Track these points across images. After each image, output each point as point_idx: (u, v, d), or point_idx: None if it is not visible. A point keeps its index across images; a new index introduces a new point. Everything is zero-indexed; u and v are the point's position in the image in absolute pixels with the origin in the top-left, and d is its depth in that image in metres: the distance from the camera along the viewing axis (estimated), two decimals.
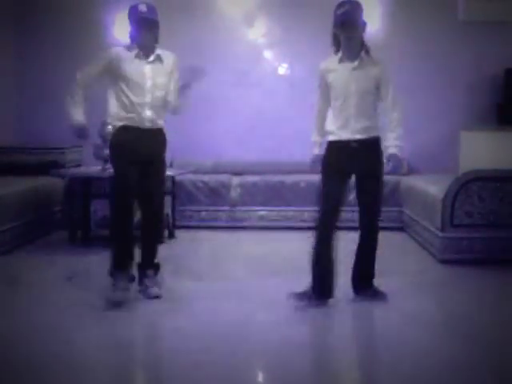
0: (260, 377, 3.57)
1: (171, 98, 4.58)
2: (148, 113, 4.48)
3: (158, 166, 4.62)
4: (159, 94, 4.52)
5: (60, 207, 6.90)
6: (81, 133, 4.50)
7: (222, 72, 7.63)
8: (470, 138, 6.03)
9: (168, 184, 6.43)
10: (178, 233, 6.71)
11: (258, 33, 7.73)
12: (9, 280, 5.06)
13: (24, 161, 7.14)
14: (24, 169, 6.99)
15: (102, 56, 4.55)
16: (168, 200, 6.43)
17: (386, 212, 6.89)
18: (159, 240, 5.15)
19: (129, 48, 4.48)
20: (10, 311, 4.32)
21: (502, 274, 5.20)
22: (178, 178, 6.81)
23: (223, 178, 7.33)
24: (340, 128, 4.40)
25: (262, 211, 7.11)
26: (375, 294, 4.50)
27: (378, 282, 4.56)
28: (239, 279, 5.13)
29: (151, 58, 4.48)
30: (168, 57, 4.56)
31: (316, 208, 4.52)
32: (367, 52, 4.37)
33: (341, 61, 4.37)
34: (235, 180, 7.30)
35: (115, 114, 4.50)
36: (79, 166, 7.22)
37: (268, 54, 7.77)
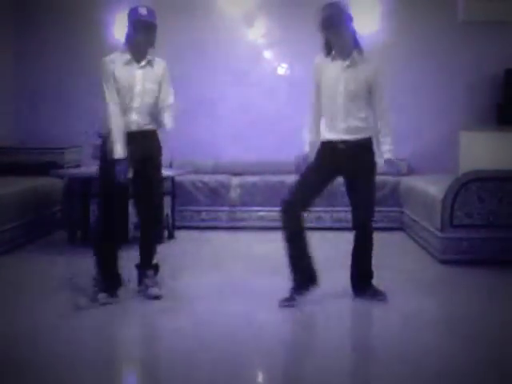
0: (260, 377, 3.57)
1: (162, 104, 4.51)
2: (134, 117, 4.44)
3: (149, 168, 4.56)
4: (148, 99, 4.46)
5: (59, 207, 6.90)
6: (124, 167, 4.35)
7: (222, 72, 7.65)
8: (470, 138, 6.03)
9: (168, 184, 6.43)
10: (178, 233, 6.71)
11: (257, 33, 7.73)
12: (8, 280, 5.06)
13: (23, 161, 7.14)
14: (23, 169, 6.99)
15: (105, 71, 4.40)
16: (168, 200, 6.44)
17: (386, 212, 6.93)
18: (158, 240, 5.15)
19: (122, 52, 4.46)
20: (10, 311, 4.32)
21: (502, 274, 5.20)
22: (177, 179, 6.81)
23: (223, 178, 7.32)
24: (327, 128, 4.38)
25: (262, 211, 7.11)
26: (374, 294, 4.49)
27: (377, 281, 4.56)
28: (239, 279, 5.13)
29: (143, 63, 4.47)
30: (158, 63, 4.53)
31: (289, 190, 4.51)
32: (360, 51, 4.33)
33: (333, 58, 4.35)
34: (235, 180, 7.30)
35: (108, 117, 4.46)
36: (78, 166, 7.22)
37: (268, 54, 7.76)
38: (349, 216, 4.56)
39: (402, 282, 4.99)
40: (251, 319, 4.15)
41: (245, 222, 7.18)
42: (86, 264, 4.73)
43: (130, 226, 6.03)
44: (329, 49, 4.36)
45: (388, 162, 4.40)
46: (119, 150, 4.33)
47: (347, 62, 4.31)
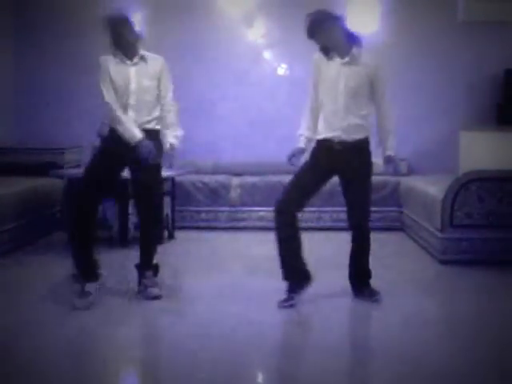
0: (259, 377, 3.57)
1: (164, 101, 4.53)
2: (132, 115, 4.45)
3: (150, 168, 4.55)
4: (146, 97, 4.48)
5: (59, 208, 6.90)
6: (148, 146, 4.35)
7: (222, 72, 7.64)
8: (470, 138, 6.03)
9: (168, 184, 6.43)
10: (178, 233, 6.71)
11: (257, 33, 7.73)
12: (8, 280, 5.06)
13: (23, 161, 7.13)
14: (23, 169, 6.97)
15: (101, 70, 4.46)
16: (168, 200, 6.44)
17: (386, 212, 6.93)
18: (158, 240, 5.14)
19: (114, 54, 4.50)
20: (10, 312, 4.31)
21: (502, 274, 5.20)
22: (177, 179, 6.80)
23: (223, 178, 7.32)
24: (326, 125, 4.34)
25: (262, 211, 7.10)
26: (372, 294, 4.48)
27: (377, 281, 4.56)
28: (239, 279, 5.13)
29: (135, 60, 4.48)
30: (155, 59, 4.54)
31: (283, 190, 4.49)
32: (359, 47, 4.28)
33: (332, 56, 4.33)
34: (235, 180, 7.29)
35: (111, 112, 4.47)
36: (78, 166, 7.21)
37: (268, 54, 7.76)
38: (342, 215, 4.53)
39: (401, 282, 4.99)
40: (251, 319, 4.15)
41: (245, 222, 7.18)
42: None
43: (130, 226, 6.04)
44: (326, 51, 4.35)
45: (389, 159, 4.37)
46: (137, 133, 4.36)
47: (347, 59, 4.29)
